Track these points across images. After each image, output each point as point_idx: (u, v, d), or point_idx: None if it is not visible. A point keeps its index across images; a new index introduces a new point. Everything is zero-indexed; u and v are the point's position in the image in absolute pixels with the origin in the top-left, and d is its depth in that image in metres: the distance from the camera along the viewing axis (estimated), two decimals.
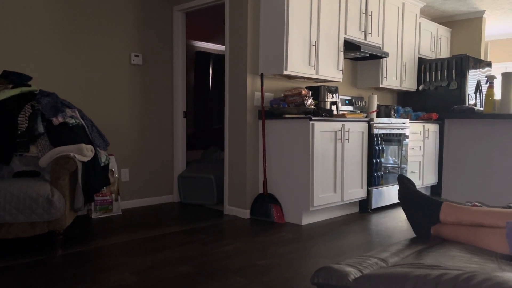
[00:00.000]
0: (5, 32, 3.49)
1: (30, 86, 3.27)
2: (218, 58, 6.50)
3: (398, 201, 1.81)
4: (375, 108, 4.80)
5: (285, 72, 3.83)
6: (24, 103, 3.12)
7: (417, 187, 1.74)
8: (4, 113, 3.04)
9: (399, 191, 1.77)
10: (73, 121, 3.12)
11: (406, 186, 1.73)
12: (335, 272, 1.21)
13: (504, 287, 0.95)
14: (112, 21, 4.15)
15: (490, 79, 2.97)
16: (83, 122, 3.25)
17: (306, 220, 3.78)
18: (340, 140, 3.90)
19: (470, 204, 1.66)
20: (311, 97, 3.97)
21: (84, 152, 2.92)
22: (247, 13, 3.88)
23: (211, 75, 6.50)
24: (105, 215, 3.93)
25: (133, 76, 4.33)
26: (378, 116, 4.94)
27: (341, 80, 4.43)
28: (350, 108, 4.91)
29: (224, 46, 4.19)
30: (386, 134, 4.39)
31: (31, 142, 3.08)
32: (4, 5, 3.47)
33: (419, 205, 1.64)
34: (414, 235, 1.71)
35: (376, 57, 4.87)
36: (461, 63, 5.28)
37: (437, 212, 1.59)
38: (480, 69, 5.53)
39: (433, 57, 5.89)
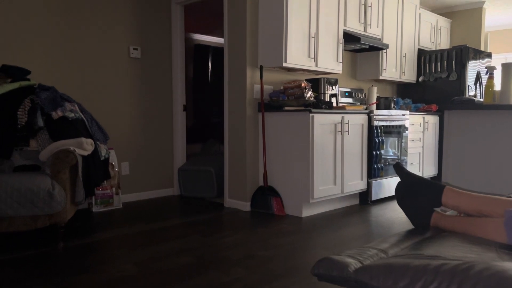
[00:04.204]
0: (3, 26, 3.47)
1: (29, 80, 3.26)
2: (218, 51, 6.48)
3: (395, 192, 1.80)
4: (374, 100, 4.80)
5: (284, 65, 3.82)
6: (24, 97, 3.12)
7: None
8: (3, 108, 3.03)
9: (400, 176, 1.75)
10: (72, 115, 3.12)
11: (405, 171, 1.73)
12: (336, 263, 1.21)
13: (504, 275, 0.96)
14: (110, 14, 4.13)
15: (490, 70, 2.97)
16: (82, 116, 3.24)
17: (306, 212, 3.79)
18: (340, 132, 3.90)
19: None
20: (311, 90, 3.96)
21: (84, 146, 2.92)
22: (245, 5, 3.86)
23: (210, 68, 6.48)
24: (106, 208, 3.94)
25: (132, 69, 4.32)
26: (378, 108, 4.94)
27: (340, 72, 4.42)
28: (350, 100, 4.91)
29: (223, 39, 4.17)
30: (386, 126, 4.39)
31: (31, 136, 3.08)
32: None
33: (420, 189, 1.64)
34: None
35: (375, 48, 4.85)
36: (461, 54, 5.27)
37: (439, 195, 1.59)
38: (480, 60, 5.52)
39: (433, 48, 5.87)
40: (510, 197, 1.63)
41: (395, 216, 3.79)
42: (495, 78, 2.98)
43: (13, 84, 3.12)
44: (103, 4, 4.06)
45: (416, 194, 1.64)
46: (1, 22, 3.46)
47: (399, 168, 1.77)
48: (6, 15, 3.48)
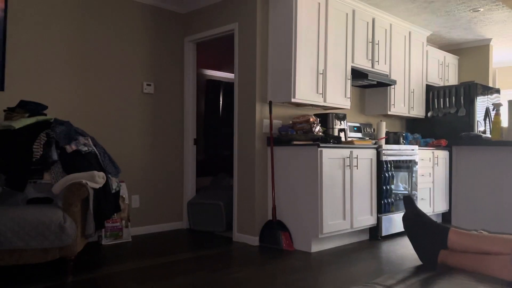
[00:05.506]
0: (22, 62, 3.62)
1: (45, 115, 3.37)
2: (229, 86, 6.62)
3: (402, 223, 1.81)
4: (383, 135, 4.81)
5: (293, 100, 3.89)
6: (40, 131, 3.21)
7: (428, 214, 1.74)
8: (20, 141, 3.13)
9: (406, 213, 1.77)
10: (86, 148, 3.20)
11: (414, 207, 1.74)
12: None
13: None
14: (125, 51, 4.28)
15: (497, 107, 2.99)
16: (95, 149, 3.32)
17: (316, 247, 3.76)
18: (349, 167, 3.92)
19: (476, 232, 1.66)
20: (319, 124, 4.01)
21: (96, 179, 2.98)
22: (255, 43, 3.98)
23: (221, 102, 6.60)
24: (115, 241, 3.95)
25: (145, 104, 4.43)
26: (386, 142, 4.95)
27: (349, 107, 4.47)
28: (359, 135, 4.94)
29: (233, 75, 4.28)
30: (395, 161, 4.39)
31: (45, 170, 3.15)
32: (21, 36, 3.62)
33: (425, 230, 1.65)
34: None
35: (383, 84, 4.92)
36: (469, 90, 5.30)
37: (444, 238, 1.60)
38: (489, 96, 5.55)
39: (441, 84, 5.92)
40: None
41: (406, 252, 3.73)
42: (502, 115, 3.00)
43: (30, 119, 3.22)
44: (118, 41, 4.23)
45: (422, 233, 1.65)
46: (20, 58, 3.61)
47: (409, 203, 1.77)
48: (24, 52, 3.64)
